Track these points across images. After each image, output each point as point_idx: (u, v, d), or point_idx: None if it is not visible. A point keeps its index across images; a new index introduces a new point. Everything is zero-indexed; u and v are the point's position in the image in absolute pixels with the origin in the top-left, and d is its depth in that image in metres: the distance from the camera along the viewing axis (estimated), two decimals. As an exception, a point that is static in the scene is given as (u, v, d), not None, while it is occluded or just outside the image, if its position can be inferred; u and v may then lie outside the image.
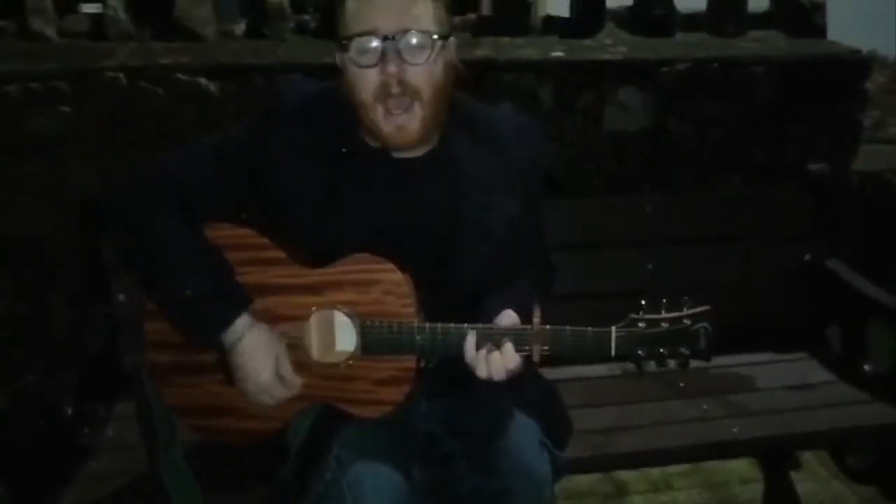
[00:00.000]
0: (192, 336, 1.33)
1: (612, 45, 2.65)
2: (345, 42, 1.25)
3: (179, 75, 2.26)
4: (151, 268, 1.34)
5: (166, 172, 1.35)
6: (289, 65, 2.31)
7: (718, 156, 2.57)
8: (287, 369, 1.32)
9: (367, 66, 1.24)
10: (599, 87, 2.47)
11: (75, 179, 2.21)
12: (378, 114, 1.26)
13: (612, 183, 2.50)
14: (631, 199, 2.23)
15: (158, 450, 1.41)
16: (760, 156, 2.60)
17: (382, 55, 1.23)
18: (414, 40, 1.24)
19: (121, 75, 2.22)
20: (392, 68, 1.23)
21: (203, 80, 2.27)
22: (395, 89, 1.24)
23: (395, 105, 1.25)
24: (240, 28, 2.70)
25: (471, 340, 1.26)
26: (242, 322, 1.31)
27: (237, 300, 1.32)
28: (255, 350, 1.31)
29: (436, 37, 1.25)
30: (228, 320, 1.30)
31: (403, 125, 1.26)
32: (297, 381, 1.33)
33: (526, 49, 2.54)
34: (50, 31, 2.53)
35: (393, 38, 1.23)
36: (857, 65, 2.62)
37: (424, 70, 1.25)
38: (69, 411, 1.56)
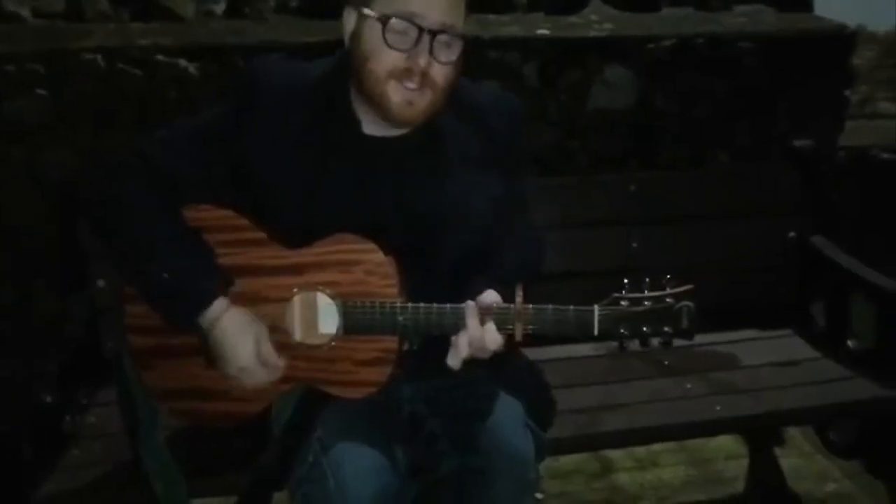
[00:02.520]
0: (169, 320, 1.32)
1: (597, 21, 2.63)
2: (381, 18, 1.23)
3: (159, 56, 2.22)
4: (129, 252, 1.33)
5: (145, 157, 1.33)
6: (270, 44, 2.28)
7: (705, 133, 2.56)
8: (268, 351, 1.31)
9: (397, 50, 1.23)
10: (585, 65, 2.45)
11: (54, 164, 2.18)
12: (389, 85, 1.25)
13: (597, 161, 2.49)
14: (616, 177, 2.22)
15: (140, 435, 1.40)
16: (747, 132, 2.59)
17: (415, 44, 1.23)
18: (450, 41, 1.25)
19: (98, 57, 2.18)
20: (422, 61, 1.24)
21: (183, 62, 2.23)
22: (416, 78, 1.24)
23: (409, 83, 1.25)
24: (220, 7, 2.66)
25: (473, 321, 1.25)
26: (218, 305, 1.29)
27: (212, 284, 1.31)
28: (233, 332, 1.29)
29: (463, 39, 1.27)
30: (202, 304, 1.29)
31: (413, 100, 1.26)
32: (278, 362, 1.32)
33: (511, 26, 2.51)
34: (25, 12, 2.48)
35: (432, 32, 1.23)
36: (844, 40, 2.61)
37: (448, 69, 1.27)
38: (50, 399, 1.55)
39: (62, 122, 2.19)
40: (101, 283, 1.74)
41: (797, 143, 2.24)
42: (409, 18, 1.23)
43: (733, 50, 2.52)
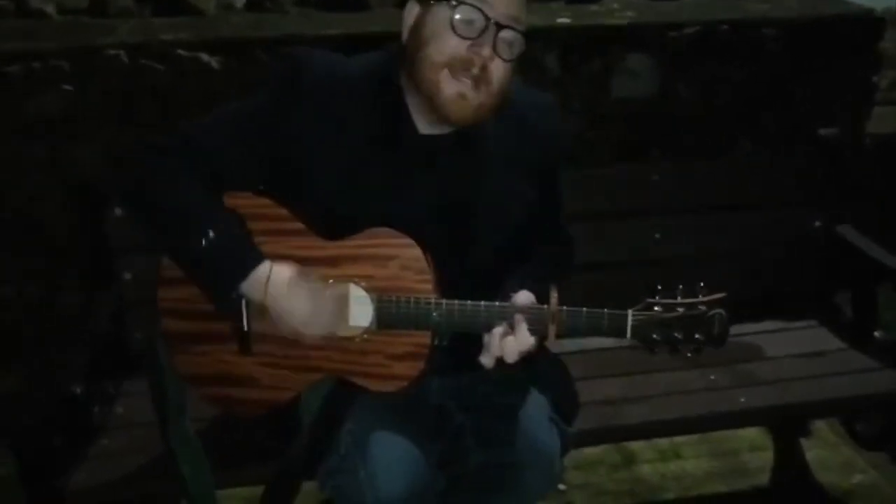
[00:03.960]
0: (216, 292, 1.29)
1: (618, 9, 2.60)
2: (451, 2, 1.23)
3: (181, 51, 2.23)
4: (170, 225, 1.31)
5: (188, 141, 1.32)
6: (291, 37, 2.27)
7: (728, 121, 2.53)
8: (321, 292, 1.28)
9: (461, 37, 1.23)
10: (607, 54, 2.43)
11: (79, 159, 2.20)
12: (443, 74, 1.24)
13: (619, 150, 2.47)
14: (639, 166, 2.20)
15: (169, 418, 1.42)
16: (771, 120, 2.56)
17: (481, 33, 1.23)
18: (513, 40, 1.25)
19: (122, 53, 2.20)
20: (486, 51, 1.23)
21: (205, 56, 2.24)
22: (475, 71, 1.23)
23: (465, 77, 1.24)
24: (240, 1, 2.67)
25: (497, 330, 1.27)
26: (263, 268, 1.27)
27: (256, 251, 1.29)
28: (286, 287, 1.27)
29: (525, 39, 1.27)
30: (250, 264, 1.27)
31: (466, 94, 1.25)
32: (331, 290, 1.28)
33: (531, 16, 2.47)
34: (49, 9, 2.50)
35: (499, 24, 1.23)
36: (870, 24, 2.56)
37: (507, 67, 1.26)
38: (79, 390, 1.57)
39: (86, 117, 2.21)
40: (128, 275, 1.76)
41: (822, 131, 2.20)
42: (479, 6, 1.22)
43: (757, 36, 2.48)
